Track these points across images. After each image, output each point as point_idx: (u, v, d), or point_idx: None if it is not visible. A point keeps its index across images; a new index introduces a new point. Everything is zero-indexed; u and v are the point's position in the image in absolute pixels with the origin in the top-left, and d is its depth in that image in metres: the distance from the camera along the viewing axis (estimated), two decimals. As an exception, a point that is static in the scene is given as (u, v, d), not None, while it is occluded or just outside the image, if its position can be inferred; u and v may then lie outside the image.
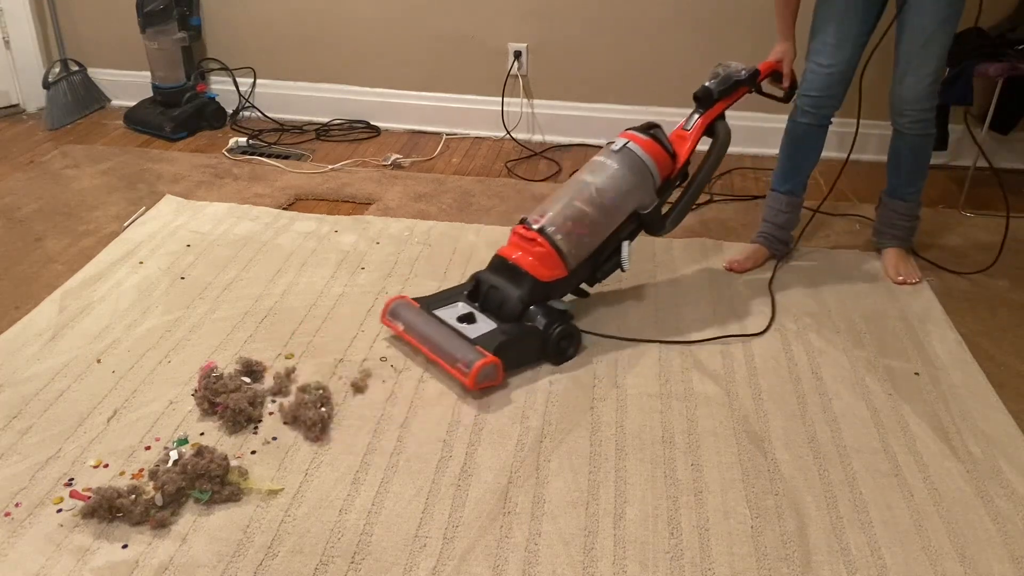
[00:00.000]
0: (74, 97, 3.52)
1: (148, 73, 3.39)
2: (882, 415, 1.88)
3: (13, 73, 3.50)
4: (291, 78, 3.50)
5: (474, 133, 3.46)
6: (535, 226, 2.02)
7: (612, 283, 2.34)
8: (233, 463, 1.65)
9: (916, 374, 2.02)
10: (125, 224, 2.62)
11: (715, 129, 2.21)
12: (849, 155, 2.51)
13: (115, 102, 3.66)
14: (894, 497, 1.65)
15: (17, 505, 1.56)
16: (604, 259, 2.13)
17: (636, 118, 3.29)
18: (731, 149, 3.27)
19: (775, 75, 2.33)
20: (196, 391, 1.84)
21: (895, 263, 2.46)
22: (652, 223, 2.16)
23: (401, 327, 2.03)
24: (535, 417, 1.83)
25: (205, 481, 1.58)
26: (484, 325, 1.99)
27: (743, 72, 2.21)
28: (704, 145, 2.24)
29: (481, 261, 2.41)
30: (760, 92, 2.33)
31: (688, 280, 2.39)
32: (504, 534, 1.54)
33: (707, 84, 2.18)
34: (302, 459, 1.70)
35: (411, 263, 2.44)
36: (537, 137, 3.43)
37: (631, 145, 2.09)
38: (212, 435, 1.75)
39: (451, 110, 3.44)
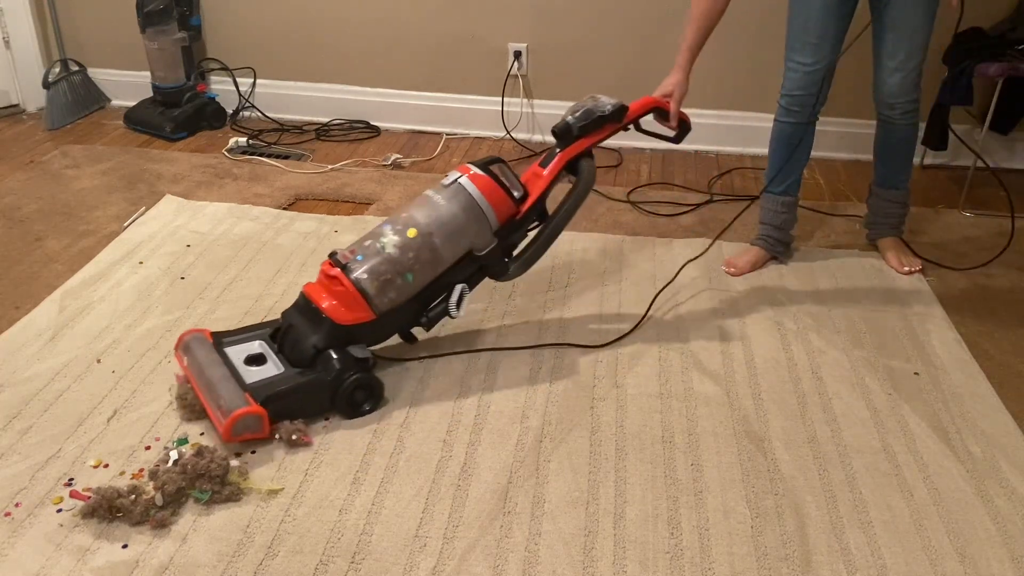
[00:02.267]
0: (74, 97, 3.52)
1: (148, 73, 3.39)
2: (882, 415, 1.88)
3: (13, 73, 3.50)
4: (291, 78, 3.50)
5: (474, 133, 3.46)
6: (341, 262, 1.83)
7: (610, 282, 2.35)
8: (233, 463, 1.65)
9: (916, 374, 2.02)
10: (125, 224, 2.62)
11: (579, 168, 1.99)
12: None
13: (115, 102, 3.66)
14: (894, 497, 1.65)
15: (17, 505, 1.56)
16: (436, 303, 1.93)
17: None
18: (731, 149, 3.34)
19: (660, 112, 2.11)
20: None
21: (896, 253, 2.49)
22: (492, 267, 1.96)
23: (185, 363, 1.84)
24: (535, 417, 1.83)
25: (205, 481, 1.58)
26: (271, 369, 1.82)
27: (608, 107, 1.98)
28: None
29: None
30: (640, 130, 2.12)
31: (688, 279, 2.39)
32: (504, 534, 1.54)
33: (568, 119, 1.97)
34: (302, 459, 1.70)
35: (411, 263, 2.44)
36: (537, 137, 3.43)
37: (463, 181, 1.89)
38: (212, 435, 1.75)
39: (451, 110, 3.44)
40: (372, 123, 3.48)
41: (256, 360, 1.85)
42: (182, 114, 3.34)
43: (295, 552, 1.49)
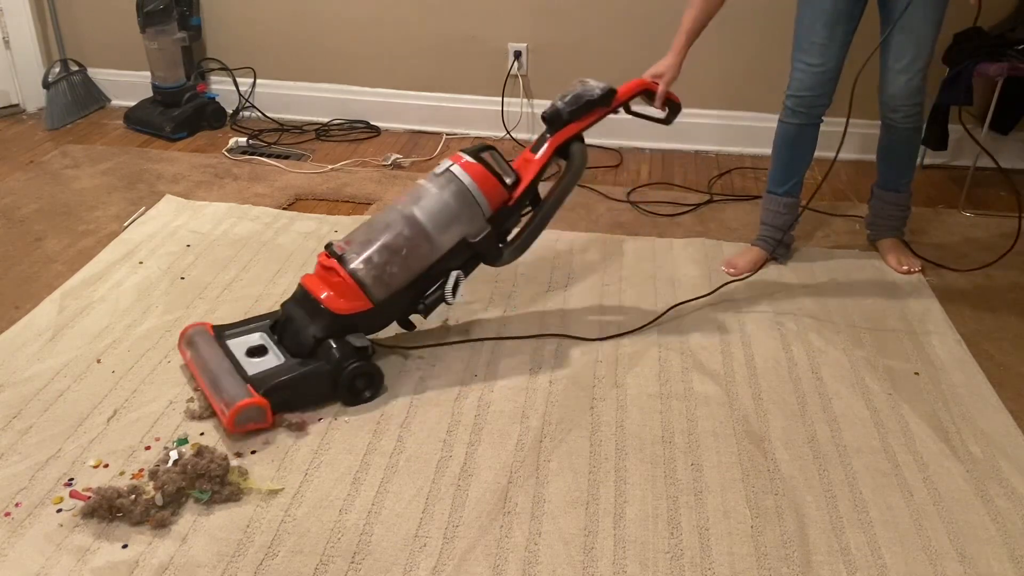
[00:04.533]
0: (74, 97, 3.52)
1: (148, 73, 3.38)
2: (882, 415, 1.88)
3: (13, 73, 3.50)
4: (291, 78, 3.50)
5: (474, 133, 3.46)
6: (337, 253, 1.87)
7: (610, 282, 2.35)
8: (233, 463, 1.65)
9: (916, 374, 2.02)
10: (125, 224, 2.62)
11: (569, 152, 2.01)
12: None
13: (115, 102, 3.66)
14: (894, 497, 1.65)
15: (17, 505, 1.56)
16: (432, 290, 1.94)
17: (636, 118, 3.31)
18: (731, 149, 3.34)
19: (649, 95, 2.14)
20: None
21: (895, 254, 2.49)
22: (487, 253, 1.97)
23: (189, 356, 1.89)
24: (535, 417, 1.83)
25: (205, 481, 1.58)
26: (272, 360, 1.86)
27: (597, 91, 2.01)
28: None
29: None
30: (630, 113, 2.14)
31: (687, 279, 2.39)
32: (504, 534, 1.54)
33: (557, 104, 2.00)
34: (302, 459, 1.70)
35: (411, 263, 2.44)
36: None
37: (454, 169, 1.91)
38: (212, 435, 1.75)
39: (451, 110, 3.44)
40: (372, 123, 3.48)
41: (257, 352, 1.88)
42: (182, 114, 3.34)
43: (295, 552, 1.49)
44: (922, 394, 1.95)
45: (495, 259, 1.99)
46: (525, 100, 3.39)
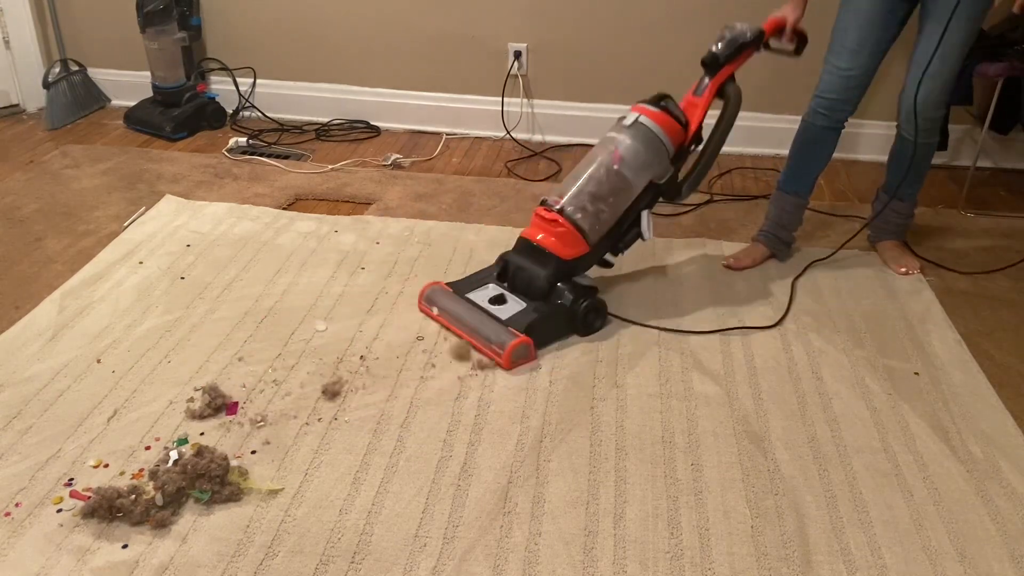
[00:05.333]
0: (74, 97, 3.52)
1: (148, 73, 3.38)
2: (882, 415, 1.88)
3: (13, 73, 3.50)
4: (291, 78, 3.49)
5: (474, 133, 3.46)
6: (555, 207, 2.09)
7: (620, 281, 2.35)
8: (233, 463, 1.65)
9: (916, 374, 2.02)
10: (125, 224, 2.62)
11: (725, 92, 2.22)
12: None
13: (115, 102, 3.66)
14: (894, 497, 1.65)
15: (17, 505, 1.56)
16: (625, 230, 2.18)
17: (636, 118, 3.31)
18: (731, 149, 3.34)
19: (781, 32, 2.29)
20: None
21: (895, 255, 2.49)
22: (669, 191, 2.19)
23: (436, 311, 2.14)
24: (535, 417, 1.83)
25: (205, 481, 1.58)
26: (514, 305, 2.10)
27: (748, 34, 2.19)
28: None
29: (481, 261, 2.42)
30: (770, 50, 2.31)
31: (689, 279, 2.39)
32: (504, 534, 1.54)
33: (713, 49, 2.18)
34: (302, 459, 1.70)
35: (411, 263, 2.44)
36: (537, 137, 3.43)
37: (642, 119, 2.12)
38: (212, 435, 1.75)
39: (451, 110, 3.44)
40: (372, 123, 3.48)
41: (498, 300, 2.13)
42: (182, 114, 3.34)
43: (295, 552, 1.49)
44: (922, 394, 1.95)
45: (676, 195, 2.21)
46: (525, 100, 3.39)
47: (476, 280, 2.21)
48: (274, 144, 3.30)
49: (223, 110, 3.46)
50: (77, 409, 1.81)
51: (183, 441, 1.72)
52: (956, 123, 3.06)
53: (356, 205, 2.84)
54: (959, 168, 3.19)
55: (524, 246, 2.15)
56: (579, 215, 2.08)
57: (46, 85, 3.42)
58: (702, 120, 2.20)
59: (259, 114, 3.55)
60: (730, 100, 2.21)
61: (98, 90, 3.64)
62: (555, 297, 2.08)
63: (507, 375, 1.96)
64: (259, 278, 2.34)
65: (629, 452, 1.74)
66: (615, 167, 2.09)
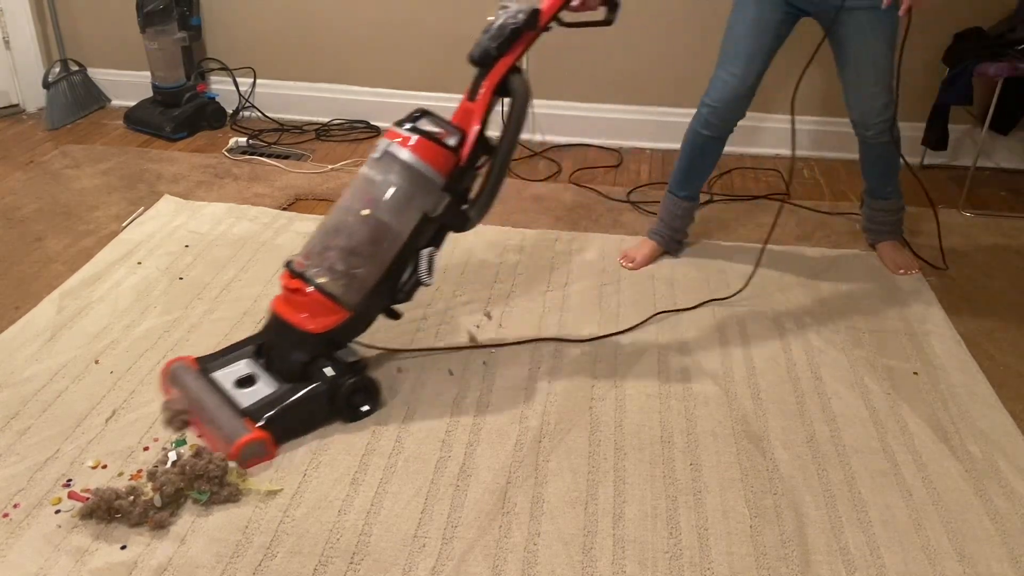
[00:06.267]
0: (74, 97, 3.52)
1: (148, 73, 3.38)
2: (881, 415, 1.88)
3: (13, 73, 3.50)
4: (291, 78, 3.49)
5: (474, 133, 3.45)
6: (297, 270, 1.78)
7: (609, 282, 2.34)
8: (232, 463, 1.65)
9: (915, 374, 2.02)
10: (124, 224, 2.62)
11: (509, 86, 1.83)
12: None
13: (115, 102, 3.66)
14: (893, 497, 1.65)
15: (16, 506, 1.56)
16: (403, 279, 1.84)
17: (636, 118, 3.32)
18: (730, 149, 3.30)
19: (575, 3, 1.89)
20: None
21: (892, 256, 2.50)
22: (452, 223, 1.85)
23: (177, 395, 1.80)
24: (534, 417, 1.83)
25: (204, 482, 1.58)
26: (264, 388, 1.79)
27: (520, 15, 1.80)
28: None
29: (480, 262, 2.42)
30: (566, 25, 1.91)
31: (686, 280, 2.39)
32: (503, 534, 1.53)
33: (483, 41, 1.82)
34: (301, 460, 1.70)
35: (410, 263, 2.44)
36: (537, 137, 3.43)
37: (392, 149, 1.77)
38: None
39: (451, 110, 3.43)
40: (372, 123, 3.48)
41: (246, 381, 1.81)
42: (182, 114, 3.34)
43: (294, 553, 1.49)
44: (921, 394, 1.95)
45: (462, 225, 1.86)
46: (525, 100, 3.38)
47: (229, 354, 1.88)
48: (274, 144, 3.30)
49: (223, 110, 3.46)
50: (76, 409, 1.81)
51: (181, 442, 1.72)
52: (956, 123, 3.06)
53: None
54: (959, 168, 3.18)
55: (273, 320, 1.82)
56: (325, 279, 1.75)
57: (46, 85, 3.42)
58: (482, 128, 1.82)
59: (259, 114, 3.55)
60: (516, 95, 1.82)
61: (98, 90, 3.64)
62: (311, 379, 1.76)
63: (506, 376, 1.96)
64: (258, 278, 2.34)
65: (628, 452, 1.74)
66: (364, 213, 1.76)
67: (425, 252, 1.83)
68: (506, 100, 1.84)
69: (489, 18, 1.82)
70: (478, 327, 2.14)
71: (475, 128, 1.81)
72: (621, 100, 3.32)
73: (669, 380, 1.96)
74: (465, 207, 1.85)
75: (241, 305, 2.21)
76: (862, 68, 2.20)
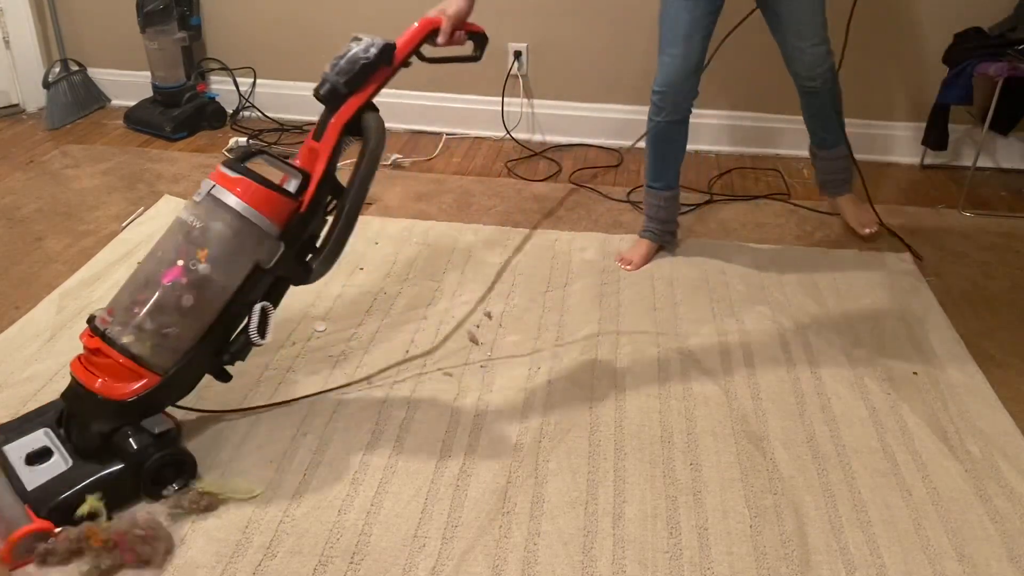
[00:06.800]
0: (74, 97, 3.52)
1: (148, 73, 3.38)
2: (881, 414, 1.88)
3: (13, 73, 3.50)
4: (291, 78, 3.49)
5: (474, 133, 3.46)
6: (99, 328, 1.54)
7: (609, 282, 2.35)
8: (218, 467, 1.65)
9: (915, 374, 2.02)
10: (124, 224, 2.62)
11: (363, 126, 1.68)
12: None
13: (115, 102, 3.66)
14: (893, 496, 1.65)
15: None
16: (233, 336, 1.64)
17: (636, 118, 3.31)
18: (731, 149, 3.34)
19: (436, 35, 1.79)
20: None
21: (855, 213, 2.61)
22: (291, 275, 1.66)
23: None
24: (534, 417, 1.83)
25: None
26: (58, 465, 1.53)
27: (372, 50, 1.66)
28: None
29: (479, 261, 2.42)
30: (428, 60, 1.82)
31: (686, 279, 2.39)
32: (503, 534, 1.54)
33: (329, 77, 1.66)
34: (300, 459, 1.70)
35: (409, 263, 2.44)
36: (537, 137, 3.43)
37: (216, 192, 1.55)
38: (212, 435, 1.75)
39: (451, 110, 3.44)
40: (372, 123, 3.48)
41: (39, 456, 1.56)
42: (182, 114, 3.34)
43: (294, 553, 1.49)
44: (921, 394, 1.95)
45: (302, 278, 1.67)
46: (525, 100, 3.39)
47: (27, 423, 1.63)
48: (274, 144, 3.30)
49: (223, 110, 3.46)
50: (76, 409, 1.81)
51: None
52: (956, 123, 3.06)
53: (356, 205, 2.84)
54: (959, 168, 3.18)
55: (74, 385, 1.57)
56: (129, 338, 1.51)
57: (46, 85, 3.42)
58: (325, 173, 1.63)
59: (259, 114, 3.55)
60: (369, 135, 1.67)
61: (98, 90, 3.64)
62: (112, 454, 1.53)
63: (506, 376, 1.96)
64: (258, 278, 2.34)
65: (628, 452, 1.74)
66: (180, 263, 1.53)
67: (258, 307, 1.62)
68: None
69: (337, 54, 1.67)
70: (478, 327, 2.14)
71: (319, 170, 1.63)
72: (621, 100, 3.32)
73: (669, 380, 1.97)
74: (310, 256, 1.67)
75: (241, 305, 2.21)
76: (798, 23, 2.29)
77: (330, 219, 1.67)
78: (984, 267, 2.51)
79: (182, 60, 3.36)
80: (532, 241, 2.58)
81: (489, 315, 2.20)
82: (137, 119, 3.42)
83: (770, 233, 2.68)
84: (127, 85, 3.59)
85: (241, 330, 1.63)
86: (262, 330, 1.62)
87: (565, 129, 3.40)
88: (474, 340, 2.09)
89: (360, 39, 1.67)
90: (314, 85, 1.69)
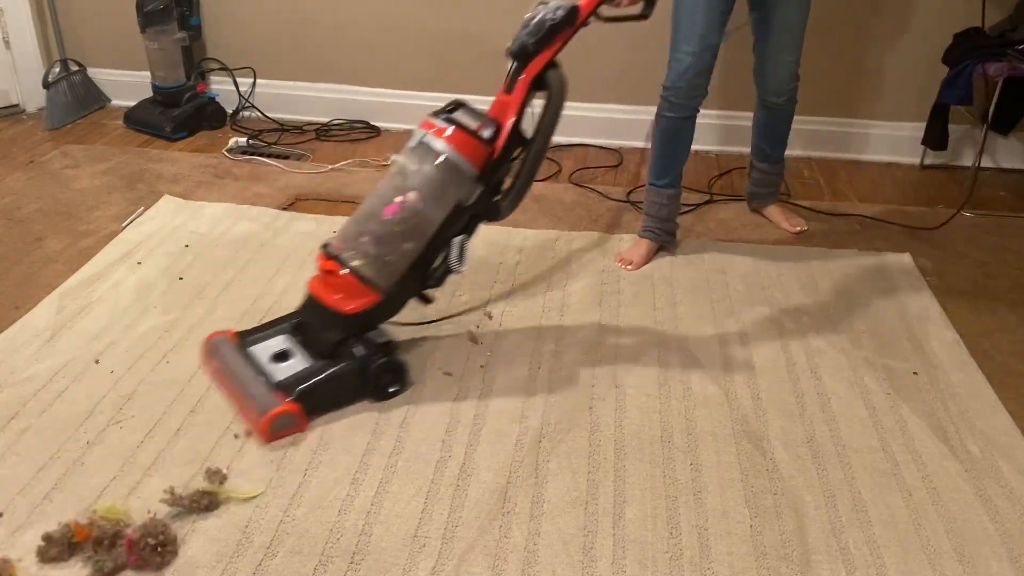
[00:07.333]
0: (74, 97, 3.52)
1: (148, 73, 3.38)
2: (881, 415, 1.88)
3: (13, 73, 3.50)
4: (291, 78, 3.49)
5: (474, 133, 3.45)
6: (333, 253, 1.83)
7: (609, 281, 2.35)
8: (224, 467, 1.65)
9: (915, 374, 2.02)
10: (124, 224, 2.62)
11: (546, 82, 1.87)
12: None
13: (115, 102, 3.66)
14: (893, 496, 1.65)
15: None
16: (434, 265, 1.90)
17: (636, 118, 3.31)
18: (731, 149, 3.34)
19: None
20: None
21: (784, 216, 2.72)
22: (485, 212, 1.91)
23: (214, 368, 1.87)
24: (534, 417, 1.83)
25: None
26: (298, 364, 1.84)
27: (559, 12, 1.84)
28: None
29: (480, 262, 2.42)
30: (604, 20, 1.98)
31: (685, 279, 2.39)
32: (503, 534, 1.54)
33: (521, 36, 1.85)
34: (301, 459, 1.70)
35: (410, 263, 2.44)
36: (537, 137, 3.42)
37: (428, 139, 1.82)
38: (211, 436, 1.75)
39: (451, 110, 3.44)
40: (372, 123, 3.48)
41: (282, 356, 1.87)
42: (182, 114, 3.34)
43: (294, 552, 1.49)
44: (921, 394, 1.95)
45: (494, 216, 1.92)
46: (525, 100, 3.38)
47: (268, 329, 1.94)
48: (274, 144, 3.29)
49: (223, 110, 3.46)
50: (75, 410, 1.81)
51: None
52: (956, 123, 3.06)
53: (356, 205, 2.82)
54: (959, 168, 3.18)
55: (308, 300, 1.89)
56: (359, 262, 1.80)
57: (46, 85, 3.42)
58: (518, 120, 1.86)
59: (259, 114, 3.54)
60: (552, 90, 1.87)
61: (98, 90, 3.64)
62: (342, 357, 1.82)
63: (506, 375, 1.96)
64: (258, 279, 2.34)
65: (628, 452, 1.74)
66: (398, 200, 1.81)
67: (457, 240, 1.87)
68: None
69: (527, 15, 1.85)
70: (478, 327, 2.14)
71: (510, 121, 1.85)
72: (621, 100, 3.32)
73: (669, 380, 1.97)
74: (498, 198, 1.90)
75: (241, 305, 2.21)
76: (784, 36, 2.36)
77: (515, 165, 1.90)
78: (984, 267, 2.51)
79: (182, 60, 3.36)
80: (532, 241, 2.59)
81: (489, 315, 2.20)
82: (137, 119, 3.42)
83: (770, 233, 2.68)
84: (127, 85, 3.59)
85: (443, 259, 1.88)
86: (460, 259, 1.88)
87: (565, 129, 3.37)
88: (474, 340, 2.09)
89: (546, 2, 1.86)
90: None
